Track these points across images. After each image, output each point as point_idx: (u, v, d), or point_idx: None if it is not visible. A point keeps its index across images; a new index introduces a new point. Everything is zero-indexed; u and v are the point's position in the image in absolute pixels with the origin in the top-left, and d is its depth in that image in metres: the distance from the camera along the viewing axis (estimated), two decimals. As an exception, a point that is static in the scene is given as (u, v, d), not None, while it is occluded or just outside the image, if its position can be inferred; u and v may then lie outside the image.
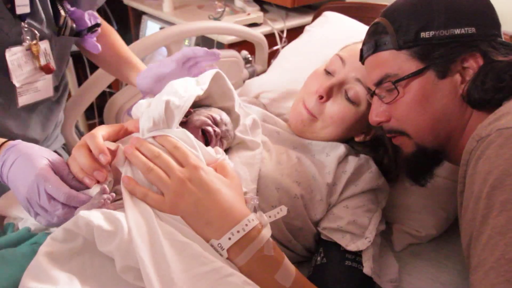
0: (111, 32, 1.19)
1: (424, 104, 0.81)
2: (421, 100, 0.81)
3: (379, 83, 0.85)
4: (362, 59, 0.91)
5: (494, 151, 0.65)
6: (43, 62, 0.97)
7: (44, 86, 1.02)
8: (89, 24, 1.01)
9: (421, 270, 1.01)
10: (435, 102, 0.80)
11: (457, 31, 0.78)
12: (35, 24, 0.93)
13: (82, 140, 0.75)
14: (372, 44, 0.85)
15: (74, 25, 0.99)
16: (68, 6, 0.98)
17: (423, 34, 0.79)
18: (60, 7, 0.96)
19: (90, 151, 0.73)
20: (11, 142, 0.76)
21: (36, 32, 0.93)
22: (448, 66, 0.79)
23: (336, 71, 0.99)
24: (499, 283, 0.57)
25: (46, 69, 0.98)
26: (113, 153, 0.74)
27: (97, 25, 1.02)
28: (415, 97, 0.81)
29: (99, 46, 1.04)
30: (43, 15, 0.94)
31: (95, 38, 1.04)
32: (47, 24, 0.96)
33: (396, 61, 0.82)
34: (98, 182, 0.72)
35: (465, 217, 0.69)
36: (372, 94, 0.89)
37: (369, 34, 0.88)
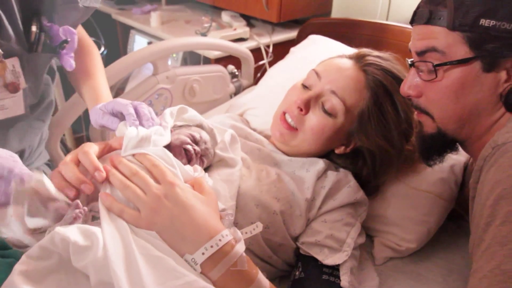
0: (90, 52, 1.16)
1: (458, 94, 0.77)
2: (457, 89, 0.77)
3: (422, 53, 0.79)
4: (412, 22, 0.83)
5: (507, 160, 0.64)
6: (9, 80, 0.94)
7: (13, 104, 0.99)
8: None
9: (402, 283, 1.01)
10: (470, 94, 0.77)
11: None
12: (1, 41, 0.90)
13: (72, 155, 0.75)
14: (426, 14, 0.78)
15: (49, 41, 0.96)
16: (45, 22, 0.95)
17: (483, 21, 0.71)
18: (34, 23, 0.93)
19: (78, 166, 0.74)
20: None
21: (0, 50, 0.90)
22: (497, 61, 0.73)
23: (313, 85, 1.02)
24: None
25: (11, 88, 0.95)
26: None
27: (65, 41, 0.97)
28: (453, 85, 0.77)
29: (73, 64, 1.00)
30: (11, 32, 0.90)
31: (72, 55, 1.00)
32: (17, 40, 0.93)
33: (446, 39, 0.76)
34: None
35: (473, 223, 0.68)
36: (411, 65, 0.84)
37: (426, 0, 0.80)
